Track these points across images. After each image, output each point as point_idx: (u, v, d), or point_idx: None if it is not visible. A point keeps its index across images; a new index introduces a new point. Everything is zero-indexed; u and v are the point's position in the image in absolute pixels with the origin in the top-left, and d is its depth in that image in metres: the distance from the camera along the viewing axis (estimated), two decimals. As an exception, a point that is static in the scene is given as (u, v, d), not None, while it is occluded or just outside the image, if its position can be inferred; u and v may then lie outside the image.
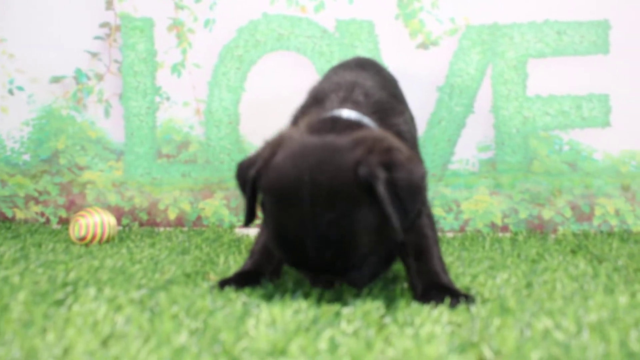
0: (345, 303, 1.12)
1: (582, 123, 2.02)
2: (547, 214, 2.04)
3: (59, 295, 1.13)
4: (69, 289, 1.17)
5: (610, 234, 1.98)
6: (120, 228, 2.11)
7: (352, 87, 1.30)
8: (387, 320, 1.03)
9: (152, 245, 1.80)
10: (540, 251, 1.71)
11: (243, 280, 1.27)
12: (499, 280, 1.35)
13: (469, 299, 1.14)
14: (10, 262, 1.52)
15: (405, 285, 1.29)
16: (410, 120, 1.47)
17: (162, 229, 2.11)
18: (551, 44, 2.03)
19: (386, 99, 1.32)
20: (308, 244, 1.07)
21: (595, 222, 2.03)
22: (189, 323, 0.98)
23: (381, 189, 1.05)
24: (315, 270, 1.13)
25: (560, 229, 2.03)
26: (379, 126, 1.23)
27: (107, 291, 1.19)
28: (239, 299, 1.15)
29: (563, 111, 2.03)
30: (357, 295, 1.19)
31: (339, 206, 1.06)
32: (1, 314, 0.99)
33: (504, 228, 2.05)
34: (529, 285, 1.31)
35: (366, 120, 1.21)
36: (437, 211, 2.05)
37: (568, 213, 2.03)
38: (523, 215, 2.04)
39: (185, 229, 2.11)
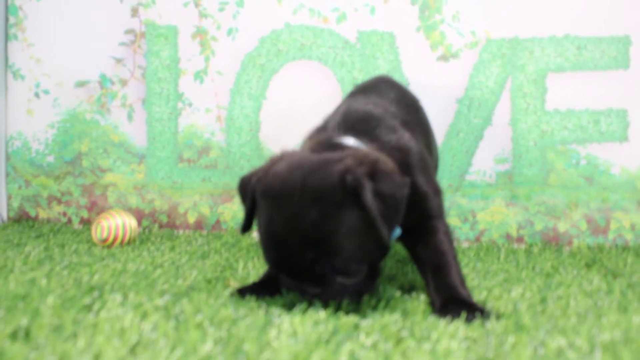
0: (363, 315, 1.15)
1: (600, 137, 2.04)
2: (562, 226, 2.05)
3: (86, 300, 1.16)
4: (96, 294, 1.21)
5: (625, 248, 1.99)
6: (141, 230, 2.15)
7: (361, 118, 1.36)
8: (405, 333, 1.05)
9: (172, 248, 1.84)
10: (555, 264, 1.73)
11: (262, 289, 1.31)
12: (514, 294, 1.37)
13: (485, 313, 1.16)
14: (36, 262, 1.57)
15: (422, 297, 1.31)
16: (427, 145, 1.50)
17: (181, 232, 2.15)
18: (571, 58, 2.04)
19: (395, 127, 1.37)
20: (291, 243, 1.11)
21: (611, 236, 2.04)
22: (213, 332, 1.01)
23: (367, 196, 1.11)
24: (298, 275, 1.14)
25: (575, 242, 2.04)
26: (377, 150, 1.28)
27: (132, 296, 1.22)
28: (260, 307, 1.18)
29: (581, 125, 2.04)
30: (375, 308, 1.21)
31: (324, 207, 1.11)
32: (33, 319, 1.02)
33: (519, 239, 2.07)
34: (543, 300, 1.33)
35: (364, 147, 1.28)
36: (453, 221, 2.07)
37: (583, 226, 2.05)
38: (538, 227, 2.06)
39: (204, 232, 2.15)
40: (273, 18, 2.13)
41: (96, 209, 2.21)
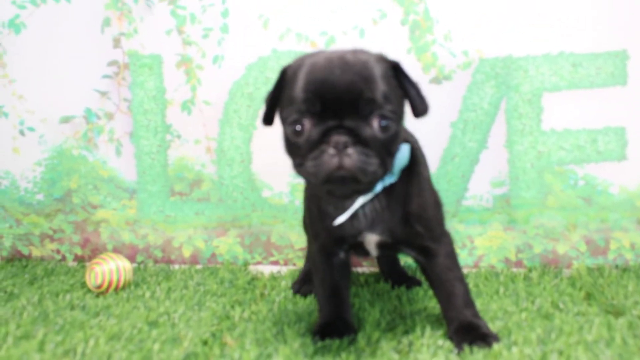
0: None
1: (597, 157, 2.00)
2: (561, 248, 2.03)
3: (80, 392, 1.15)
4: (89, 384, 1.19)
5: (625, 269, 1.97)
6: (135, 265, 2.13)
7: None
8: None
9: (168, 293, 1.82)
10: (554, 299, 1.71)
11: (330, 332, 1.41)
12: (515, 351, 1.35)
13: (490, 339, 1.37)
14: (29, 322, 1.55)
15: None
16: None
17: (177, 267, 2.12)
18: (566, 76, 1.99)
19: None
20: (335, 72, 1.18)
21: (611, 256, 2.02)
22: None
23: (407, 71, 1.28)
24: (339, 111, 1.17)
25: (575, 264, 2.02)
26: None
27: (126, 378, 1.21)
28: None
29: (578, 145, 2.00)
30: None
31: (371, 62, 1.23)
32: None
33: (518, 263, 2.05)
34: (544, 358, 1.31)
35: None
36: (450, 246, 2.05)
37: (583, 247, 2.02)
38: (537, 250, 2.04)
39: (200, 267, 2.12)
40: (259, 44, 2.07)
41: (89, 245, 2.18)
